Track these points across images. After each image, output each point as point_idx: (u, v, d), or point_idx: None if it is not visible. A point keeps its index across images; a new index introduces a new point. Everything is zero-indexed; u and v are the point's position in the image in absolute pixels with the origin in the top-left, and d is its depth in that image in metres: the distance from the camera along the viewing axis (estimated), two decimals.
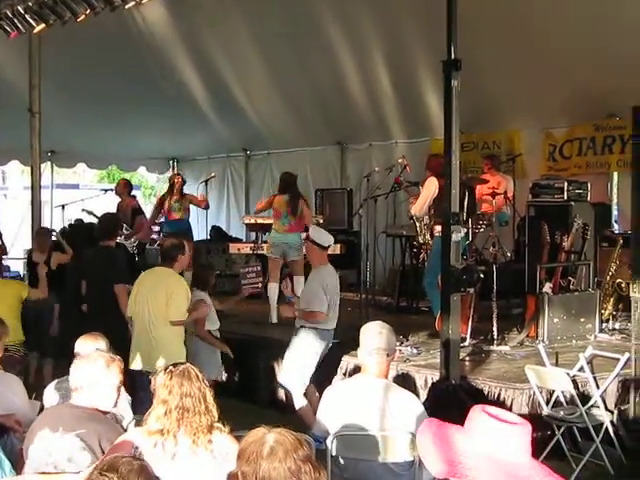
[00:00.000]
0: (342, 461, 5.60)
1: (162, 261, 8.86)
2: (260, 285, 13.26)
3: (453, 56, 8.02)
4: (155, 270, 8.87)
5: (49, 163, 20.04)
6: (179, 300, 8.38)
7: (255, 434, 3.51)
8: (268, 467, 3.38)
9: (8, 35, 11.18)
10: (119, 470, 3.44)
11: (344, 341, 9.45)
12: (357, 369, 8.86)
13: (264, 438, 3.46)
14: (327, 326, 8.86)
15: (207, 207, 15.47)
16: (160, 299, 8.36)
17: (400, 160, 12.62)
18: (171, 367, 4.87)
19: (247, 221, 16.02)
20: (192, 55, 15.21)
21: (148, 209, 23.01)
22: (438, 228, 9.71)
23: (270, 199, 12.77)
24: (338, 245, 13.51)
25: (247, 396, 10.32)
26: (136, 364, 8.30)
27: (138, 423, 5.49)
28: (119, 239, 13.93)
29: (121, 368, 5.29)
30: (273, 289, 12.02)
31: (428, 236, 11.32)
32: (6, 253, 15.21)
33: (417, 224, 11.60)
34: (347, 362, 9.58)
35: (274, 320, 11.91)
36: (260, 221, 15.13)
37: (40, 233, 12.20)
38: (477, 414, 3.00)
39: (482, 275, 9.88)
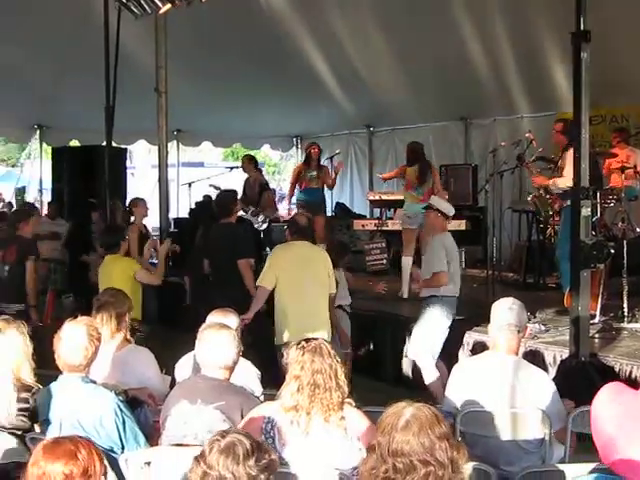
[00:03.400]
0: (471, 438, 5.59)
1: (299, 236, 8.69)
2: (385, 261, 13.28)
3: (582, 27, 7.85)
4: (297, 244, 8.72)
5: (175, 142, 20.41)
6: (332, 273, 8.48)
7: (395, 407, 3.52)
8: (401, 440, 3.39)
9: (135, 16, 11.45)
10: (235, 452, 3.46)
11: (469, 317, 9.40)
12: (480, 345, 8.85)
13: (402, 411, 3.47)
14: (450, 292, 8.81)
15: (330, 188, 15.43)
16: (316, 273, 8.38)
17: (527, 135, 12.45)
18: (303, 342, 4.88)
19: (372, 197, 16.06)
20: (315, 32, 15.23)
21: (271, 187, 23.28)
22: None
23: (400, 169, 12.67)
24: (463, 221, 13.42)
25: (374, 373, 10.34)
26: (286, 338, 8.16)
27: (268, 398, 5.56)
28: (245, 215, 14.10)
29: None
30: (406, 263, 11.93)
31: (550, 211, 11.15)
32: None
33: (537, 201, 11.41)
34: (471, 338, 9.49)
35: (405, 295, 11.83)
36: (385, 197, 15.13)
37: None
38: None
39: (612, 251, 9.67)
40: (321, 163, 15.04)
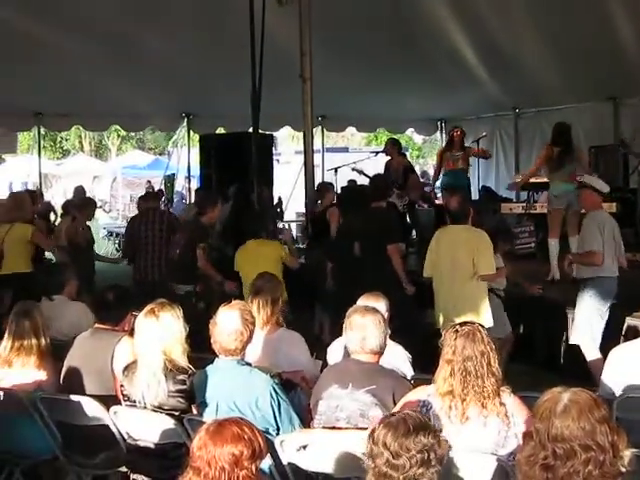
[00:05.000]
0: (628, 424, 5.47)
1: (455, 220, 8.77)
2: (533, 245, 13.11)
3: None
4: (451, 228, 8.85)
5: (319, 127, 20.53)
6: (486, 253, 8.38)
7: (552, 392, 3.50)
8: (560, 425, 3.36)
9: (280, 3, 11.58)
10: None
11: (622, 301, 9.19)
12: (633, 330, 8.64)
13: (559, 396, 3.44)
14: (607, 273, 8.58)
15: (489, 156, 16.27)
16: (464, 255, 8.37)
17: None
18: (458, 327, 4.81)
19: (518, 180, 15.86)
20: (459, 13, 15.06)
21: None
22: None
23: (545, 153, 12.38)
24: (614, 203, 13.10)
25: (523, 357, 10.18)
26: (439, 321, 8.39)
27: (419, 381, 5.55)
28: (391, 198, 14.14)
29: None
30: (554, 245, 11.70)
31: None
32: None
33: None
34: (628, 323, 9.26)
35: (557, 277, 11.59)
36: (532, 180, 14.92)
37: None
38: None
39: None
40: (465, 146, 15.04)
